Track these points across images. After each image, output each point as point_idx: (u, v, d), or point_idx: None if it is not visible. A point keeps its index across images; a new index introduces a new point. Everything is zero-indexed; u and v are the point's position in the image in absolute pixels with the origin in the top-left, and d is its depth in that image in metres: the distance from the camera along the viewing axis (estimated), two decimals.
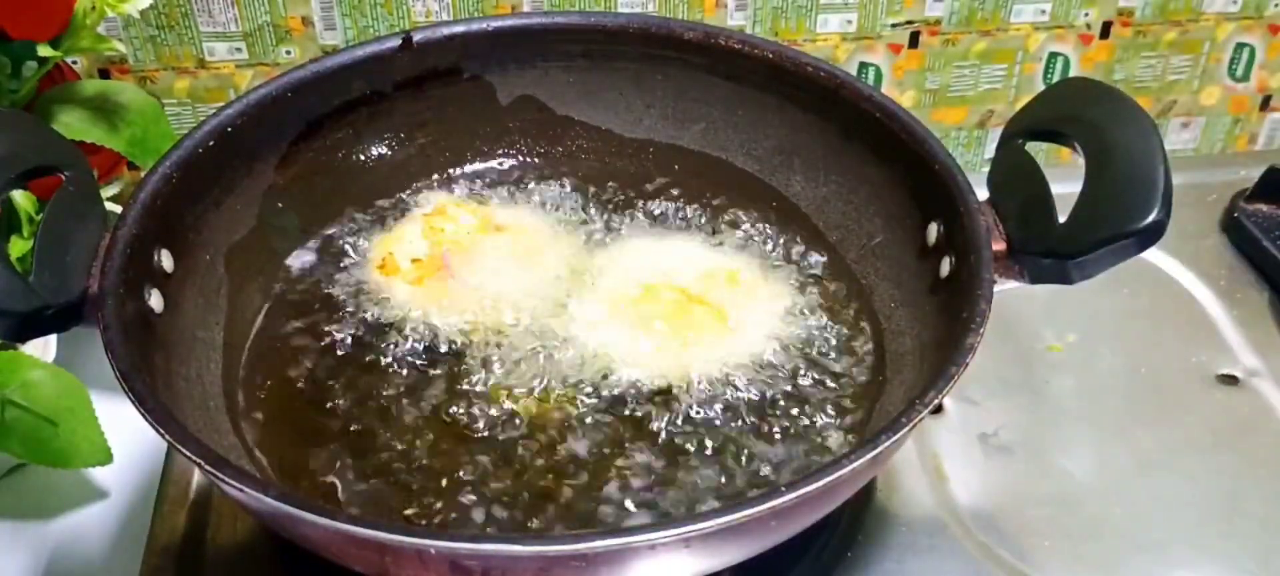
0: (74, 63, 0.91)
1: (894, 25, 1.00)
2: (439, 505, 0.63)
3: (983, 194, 0.68)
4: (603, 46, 0.82)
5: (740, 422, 0.67)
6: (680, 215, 0.81)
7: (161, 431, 0.54)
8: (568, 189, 0.83)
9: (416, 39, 0.79)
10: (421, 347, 0.71)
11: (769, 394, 0.69)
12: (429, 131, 0.84)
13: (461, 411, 0.68)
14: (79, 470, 0.76)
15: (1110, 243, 0.60)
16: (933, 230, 0.70)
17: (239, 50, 0.95)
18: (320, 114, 0.78)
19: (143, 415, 0.55)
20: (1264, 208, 0.95)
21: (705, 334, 0.72)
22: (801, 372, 0.70)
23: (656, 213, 0.81)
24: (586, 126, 0.85)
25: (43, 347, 0.78)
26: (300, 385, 0.70)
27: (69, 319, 0.61)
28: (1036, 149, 0.68)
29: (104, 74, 0.94)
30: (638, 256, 0.77)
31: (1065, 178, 0.64)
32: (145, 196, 0.66)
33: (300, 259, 0.78)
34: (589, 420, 0.67)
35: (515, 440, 0.66)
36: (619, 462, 0.65)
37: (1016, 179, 0.67)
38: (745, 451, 0.66)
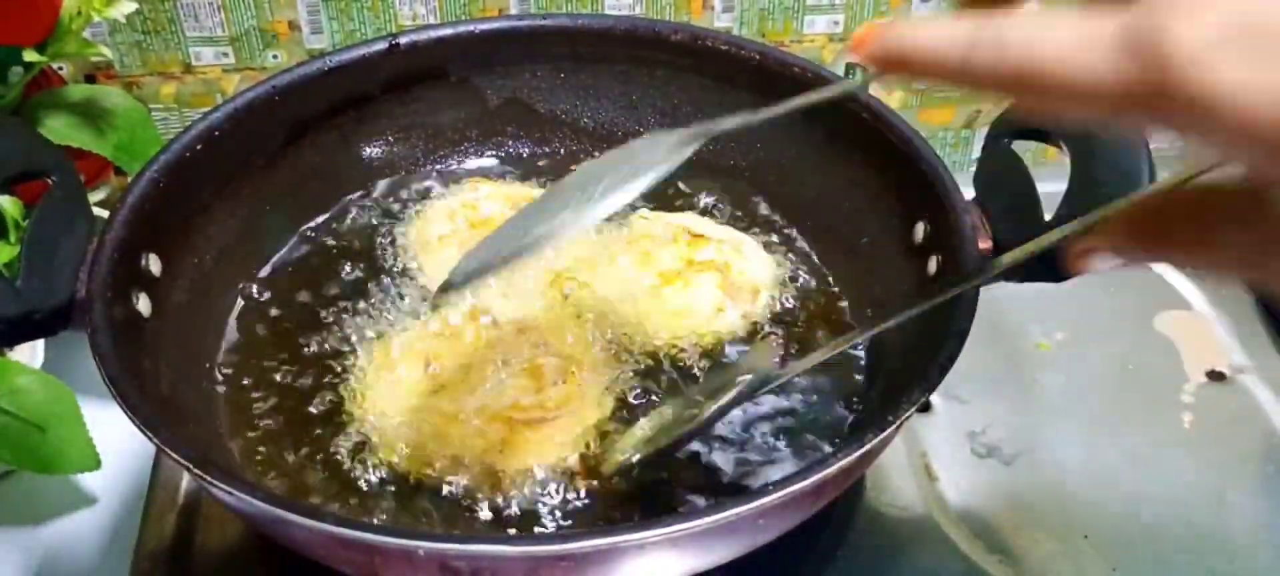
0: (60, 68, 0.90)
1: None
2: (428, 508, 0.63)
3: (970, 193, 0.68)
4: (590, 48, 0.83)
5: (729, 421, 0.67)
6: (670, 214, 0.81)
7: (149, 436, 0.54)
8: None
9: (403, 43, 0.79)
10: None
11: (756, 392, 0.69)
12: (417, 134, 0.84)
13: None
14: (67, 476, 0.76)
15: None
16: (919, 229, 0.70)
17: (226, 55, 0.95)
18: (307, 117, 0.78)
19: (131, 419, 0.55)
20: None
21: (695, 333, 0.72)
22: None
23: (644, 212, 0.81)
24: (574, 128, 0.86)
25: (30, 353, 0.78)
26: (287, 388, 0.70)
27: (56, 323, 0.61)
28: (1023, 148, 0.68)
29: (90, 79, 0.94)
30: (625, 256, 0.77)
31: (1051, 176, 0.64)
32: (132, 201, 0.66)
33: (289, 262, 0.78)
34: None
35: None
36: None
37: (1003, 178, 0.67)
38: (733, 450, 0.66)
